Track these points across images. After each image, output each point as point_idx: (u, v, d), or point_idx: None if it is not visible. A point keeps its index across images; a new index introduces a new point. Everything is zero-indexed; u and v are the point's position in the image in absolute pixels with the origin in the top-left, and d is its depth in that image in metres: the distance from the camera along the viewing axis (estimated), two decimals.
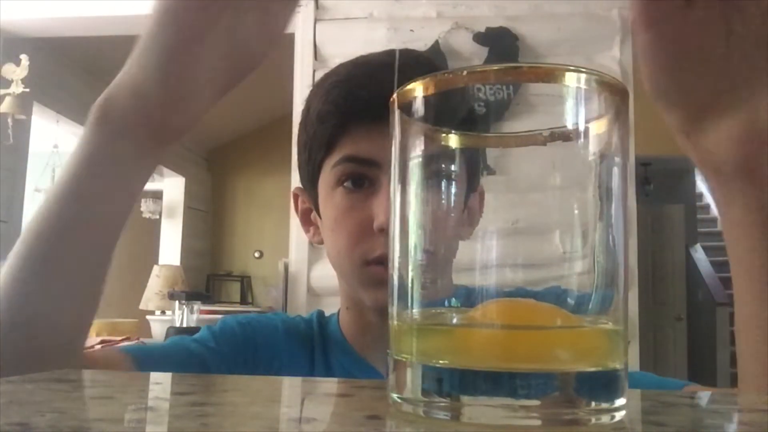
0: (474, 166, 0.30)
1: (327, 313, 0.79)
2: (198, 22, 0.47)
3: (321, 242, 0.73)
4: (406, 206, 0.31)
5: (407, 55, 0.69)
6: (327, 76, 0.72)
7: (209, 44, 0.47)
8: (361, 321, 0.71)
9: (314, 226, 0.75)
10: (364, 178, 0.65)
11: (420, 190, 0.30)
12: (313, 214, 0.74)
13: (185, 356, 0.66)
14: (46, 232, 0.49)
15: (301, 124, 0.73)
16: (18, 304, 0.48)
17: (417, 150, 0.31)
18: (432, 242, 0.30)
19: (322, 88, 0.70)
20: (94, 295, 0.52)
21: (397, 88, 0.30)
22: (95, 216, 0.51)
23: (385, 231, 0.62)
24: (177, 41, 0.47)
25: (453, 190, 0.29)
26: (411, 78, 0.29)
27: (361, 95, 0.64)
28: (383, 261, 0.63)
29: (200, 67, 0.48)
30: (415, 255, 0.30)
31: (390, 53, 0.66)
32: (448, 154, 0.31)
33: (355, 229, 0.65)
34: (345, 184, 0.66)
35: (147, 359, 0.63)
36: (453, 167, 0.30)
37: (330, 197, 0.68)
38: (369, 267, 0.65)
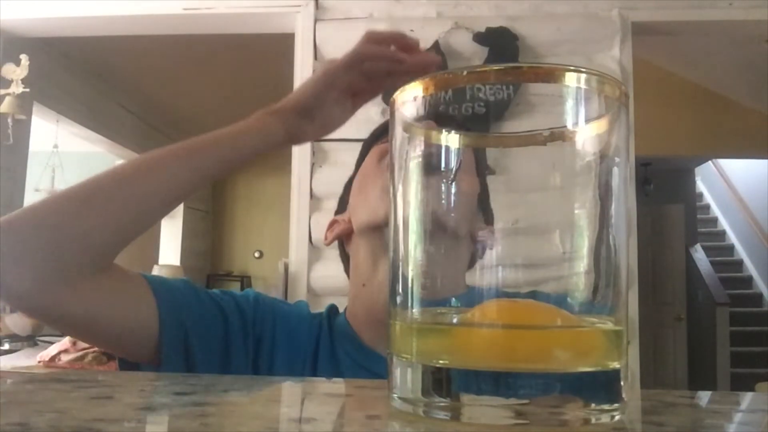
0: (480, 165, 0.30)
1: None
2: (333, 86, 0.73)
3: (340, 234, 0.79)
4: (407, 206, 0.31)
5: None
6: None
7: (330, 100, 0.74)
8: (375, 296, 0.72)
9: (335, 224, 0.82)
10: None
11: (420, 190, 0.30)
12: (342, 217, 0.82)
13: (195, 300, 0.68)
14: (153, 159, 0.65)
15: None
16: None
17: (417, 150, 0.31)
18: (433, 242, 0.30)
19: None
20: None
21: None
22: (216, 156, 0.69)
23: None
24: (321, 87, 0.73)
25: (453, 189, 0.29)
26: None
27: None
28: None
29: (322, 108, 0.74)
30: (415, 255, 0.30)
31: None
32: (448, 154, 0.31)
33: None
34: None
35: (162, 290, 0.65)
36: (453, 167, 0.30)
37: (376, 171, 0.76)
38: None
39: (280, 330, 0.73)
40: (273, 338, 0.72)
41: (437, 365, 0.27)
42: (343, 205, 0.85)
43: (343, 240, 0.82)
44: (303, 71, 2.48)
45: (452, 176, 0.29)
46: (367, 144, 0.83)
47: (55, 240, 0.55)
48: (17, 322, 2.40)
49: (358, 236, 0.77)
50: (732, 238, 7.41)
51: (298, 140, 0.74)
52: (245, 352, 0.69)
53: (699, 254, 6.76)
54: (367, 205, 0.74)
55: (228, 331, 0.68)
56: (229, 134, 0.69)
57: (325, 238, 0.83)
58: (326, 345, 0.74)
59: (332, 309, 0.82)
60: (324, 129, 0.75)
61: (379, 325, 0.71)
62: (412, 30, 2.46)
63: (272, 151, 0.71)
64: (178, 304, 0.64)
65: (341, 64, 0.71)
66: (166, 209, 0.64)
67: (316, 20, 2.51)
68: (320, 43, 2.50)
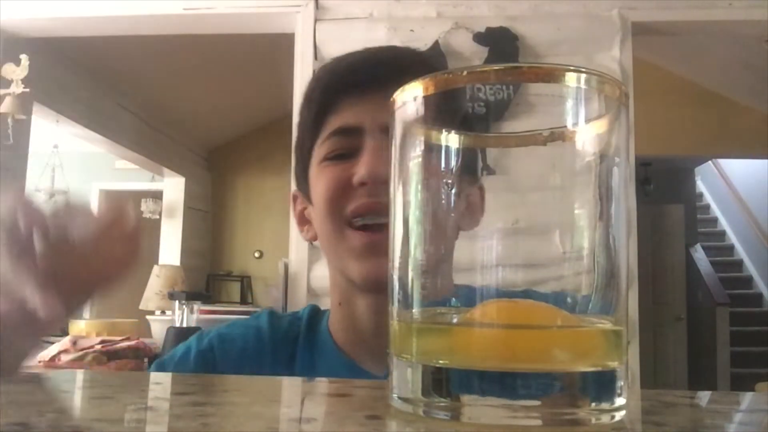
0: (473, 163, 0.30)
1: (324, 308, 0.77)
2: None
3: (315, 238, 0.72)
4: (407, 206, 0.31)
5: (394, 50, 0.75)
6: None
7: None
8: (352, 318, 0.68)
9: (308, 224, 0.74)
10: (349, 152, 0.65)
11: (420, 190, 0.30)
12: (308, 211, 0.73)
13: None
14: None
15: (296, 127, 0.74)
16: None
17: (417, 150, 0.31)
18: (433, 242, 0.30)
19: (311, 83, 0.72)
20: None
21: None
22: None
23: (366, 184, 0.61)
24: None
25: (453, 189, 0.29)
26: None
27: (339, 71, 0.68)
28: (365, 215, 0.62)
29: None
30: (415, 255, 0.30)
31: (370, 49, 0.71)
32: (448, 154, 0.31)
33: (334, 190, 0.65)
34: (329, 158, 0.66)
35: None
36: (453, 167, 0.30)
37: (315, 176, 0.68)
38: (352, 231, 0.64)
39: (220, 360, 0.70)
40: (214, 371, 0.68)
41: (437, 365, 0.27)
42: (301, 184, 0.74)
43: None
44: (303, 71, 2.48)
45: (452, 176, 0.29)
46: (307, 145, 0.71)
47: None
48: None
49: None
50: (732, 238, 7.41)
51: None
52: None
53: (699, 254, 6.76)
54: (322, 223, 0.67)
55: None
56: None
57: (301, 231, 0.77)
58: (305, 358, 0.71)
59: (313, 312, 0.76)
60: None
61: (362, 344, 0.68)
62: (412, 30, 2.46)
63: None
64: None
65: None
66: None
67: (316, 20, 2.51)
68: (320, 43, 2.50)
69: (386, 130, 0.61)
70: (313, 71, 2.46)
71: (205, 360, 0.70)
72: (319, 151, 0.68)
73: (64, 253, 0.45)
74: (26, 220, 0.45)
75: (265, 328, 0.73)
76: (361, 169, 0.62)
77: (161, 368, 0.73)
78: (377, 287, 0.62)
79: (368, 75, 0.65)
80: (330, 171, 0.66)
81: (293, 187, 0.79)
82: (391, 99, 0.31)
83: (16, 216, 0.45)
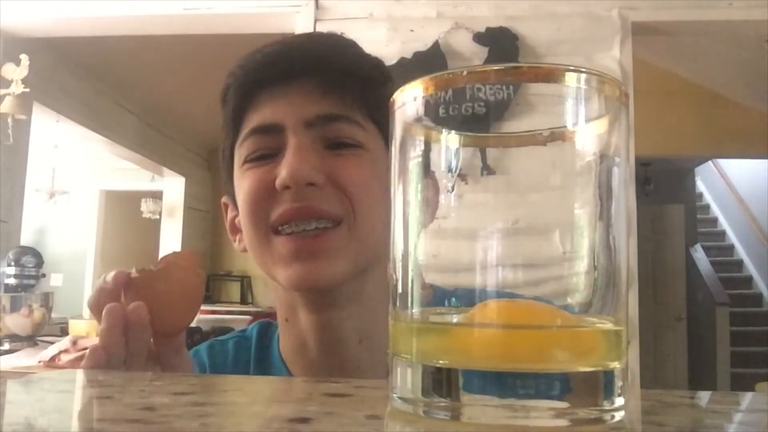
0: (472, 162, 0.30)
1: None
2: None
3: (245, 249, 0.66)
4: (407, 206, 0.31)
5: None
6: None
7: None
8: (299, 335, 0.64)
9: (240, 233, 0.67)
10: (271, 152, 0.60)
11: (420, 190, 0.30)
12: (238, 219, 0.66)
13: None
14: None
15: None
16: None
17: (417, 150, 0.31)
18: (432, 242, 0.30)
19: (226, 80, 0.67)
20: None
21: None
22: None
23: (290, 188, 0.57)
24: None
25: (453, 190, 0.29)
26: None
27: (254, 62, 0.62)
28: (290, 222, 0.58)
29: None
30: (415, 255, 0.30)
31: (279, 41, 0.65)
32: (448, 154, 0.31)
33: (257, 195, 0.60)
34: (250, 159, 0.61)
35: None
36: (453, 167, 0.30)
37: (240, 181, 0.62)
38: (276, 237, 0.59)
39: None
40: None
41: (437, 365, 0.27)
42: (229, 190, 0.68)
43: None
44: None
45: (452, 176, 0.29)
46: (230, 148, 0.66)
47: None
48: (17, 322, 2.41)
49: None
50: (732, 238, 7.41)
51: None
52: None
53: (699, 254, 6.76)
54: (247, 233, 0.62)
55: None
56: None
57: (233, 241, 0.70)
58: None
59: (262, 330, 0.72)
60: None
61: (310, 365, 0.63)
62: (412, 30, 2.46)
63: None
64: None
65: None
66: None
67: (316, 20, 2.51)
68: None
69: (311, 125, 0.57)
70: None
71: None
72: (240, 152, 0.62)
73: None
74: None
75: (206, 363, 0.69)
76: (282, 171, 0.57)
77: None
78: (309, 291, 0.59)
79: (285, 67, 0.60)
80: (251, 174, 0.61)
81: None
82: (391, 99, 0.31)
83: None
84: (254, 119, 0.61)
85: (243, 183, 0.62)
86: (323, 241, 0.58)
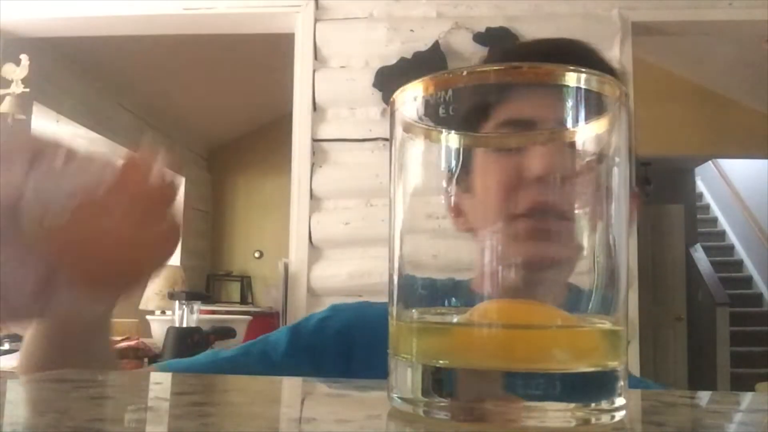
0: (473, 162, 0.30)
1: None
2: None
3: (470, 229, 0.71)
4: (407, 206, 0.31)
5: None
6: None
7: None
8: None
9: (463, 215, 0.74)
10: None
11: (421, 190, 0.30)
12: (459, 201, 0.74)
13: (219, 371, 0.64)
14: None
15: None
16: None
17: (417, 150, 0.31)
18: (432, 242, 0.30)
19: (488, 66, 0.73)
20: None
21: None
22: None
23: (541, 180, 0.60)
24: None
25: (453, 189, 0.30)
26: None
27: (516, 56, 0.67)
28: (534, 213, 0.60)
29: None
30: (416, 254, 0.30)
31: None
32: (448, 154, 0.31)
33: (506, 182, 0.64)
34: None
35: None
36: (453, 167, 0.30)
37: (483, 165, 0.67)
38: (518, 220, 0.63)
39: (358, 342, 0.68)
40: (350, 352, 0.67)
41: (437, 365, 0.27)
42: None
43: None
44: (303, 71, 2.48)
45: (452, 176, 0.30)
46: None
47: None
48: None
49: None
50: (732, 238, 7.41)
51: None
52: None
53: (699, 254, 6.76)
54: (486, 213, 0.69)
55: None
56: None
57: (455, 223, 0.77)
58: (361, 356, 0.68)
59: (363, 305, 0.74)
60: None
61: None
62: (412, 30, 2.46)
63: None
64: None
65: None
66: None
67: (316, 20, 2.51)
68: (320, 43, 2.50)
69: (560, 123, 0.60)
70: (313, 71, 2.48)
71: (343, 340, 0.69)
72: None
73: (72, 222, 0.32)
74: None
75: (385, 318, 0.74)
76: (535, 163, 0.61)
77: (296, 335, 0.70)
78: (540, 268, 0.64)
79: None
80: (501, 162, 0.66)
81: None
82: (391, 99, 0.31)
83: None
84: (506, 112, 0.63)
85: (492, 169, 0.66)
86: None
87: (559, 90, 0.29)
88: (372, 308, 0.74)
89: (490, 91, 0.64)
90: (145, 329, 3.99)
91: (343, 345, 0.68)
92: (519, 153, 0.64)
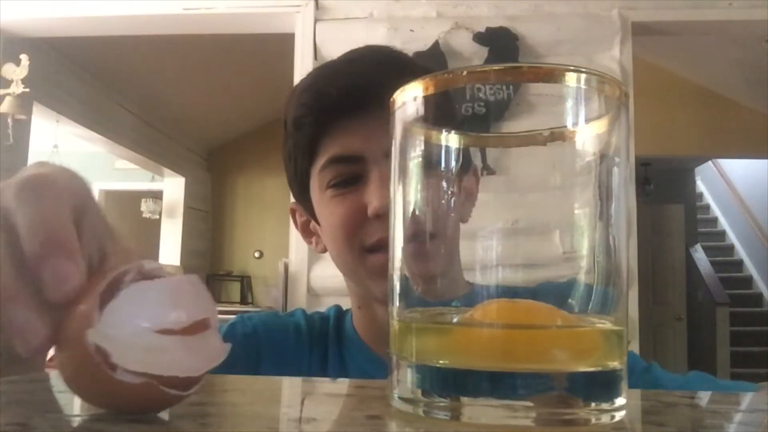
0: (468, 157, 0.30)
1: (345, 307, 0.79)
2: None
3: (324, 250, 0.72)
4: (407, 206, 0.31)
5: (374, 50, 0.71)
6: (297, 84, 0.72)
7: None
8: (373, 319, 0.71)
9: (315, 236, 0.75)
10: (353, 177, 0.65)
11: (420, 190, 0.30)
12: (312, 224, 0.74)
13: None
14: None
15: (283, 136, 0.73)
16: None
17: (417, 150, 0.31)
18: (432, 242, 0.30)
19: (294, 96, 0.69)
20: None
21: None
22: None
23: (381, 216, 0.61)
24: None
25: (454, 190, 0.29)
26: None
27: (330, 93, 0.64)
28: (383, 246, 0.60)
29: None
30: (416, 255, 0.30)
31: (353, 51, 0.69)
32: (448, 154, 0.31)
33: (350, 221, 0.65)
34: (333, 185, 0.66)
35: None
36: (453, 167, 0.30)
37: (322, 203, 0.68)
38: (370, 255, 0.64)
39: (265, 346, 0.71)
40: (258, 356, 0.70)
41: (437, 365, 0.27)
42: (300, 199, 0.74)
43: None
44: (303, 71, 2.48)
45: (453, 177, 0.29)
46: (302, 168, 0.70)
47: None
48: None
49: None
50: (732, 238, 7.42)
51: None
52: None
53: (699, 254, 6.76)
54: (339, 250, 0.68)
55: None
56: None
57: (308, 243, 0.77)
58: (336, 355, 0.72)
59: (338, 312, 0.78)
60: None
61: (386, 340, 0.69)
62: (412, 30, 2.46)
63: None
64: None
65: None
66: None
67: (316, 20, 2.51)
68: (320, 43, 2.50)
69: (388, 155, 0.60)
70: None
71: (250, 344, 0.71)
72: (321, 176, 0.67)
73: None
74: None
75: (303, 325, 0.74)
76: (373, 202, 0.62)
77: None
78: None
79: (360, 100, 0.63)
80: (339, 201, 0.65)
81: (292, 199, 0.79)
82: (391, 99, 0.31)
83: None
84: (332, 148, 0.65)
85: (331, 208, 0.67)
86: None
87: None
88: (271, 317, 0.78)
89: (316, 128, 0.63)
90: None
91: (248, 349, 0.71)
92: (356, 191, 0.64)
